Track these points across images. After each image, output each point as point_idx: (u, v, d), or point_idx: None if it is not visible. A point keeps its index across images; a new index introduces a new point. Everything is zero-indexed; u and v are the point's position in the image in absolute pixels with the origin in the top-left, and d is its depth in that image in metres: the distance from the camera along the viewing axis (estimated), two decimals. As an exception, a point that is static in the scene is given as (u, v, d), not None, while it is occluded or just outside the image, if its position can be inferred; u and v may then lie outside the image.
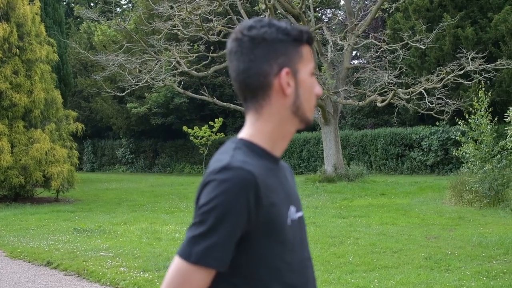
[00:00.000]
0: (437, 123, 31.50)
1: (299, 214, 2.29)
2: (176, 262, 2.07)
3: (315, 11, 36.09)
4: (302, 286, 2.18)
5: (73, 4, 58.53)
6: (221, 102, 31.82)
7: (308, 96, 2.16)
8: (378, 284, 9.27)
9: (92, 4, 58.78)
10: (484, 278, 9.39)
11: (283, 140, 2.23)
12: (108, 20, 33.21)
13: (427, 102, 26.54)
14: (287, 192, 2.24)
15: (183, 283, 2.03)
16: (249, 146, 2.18)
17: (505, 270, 9.84)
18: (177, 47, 29.71)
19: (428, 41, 27.07)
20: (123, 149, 51.64)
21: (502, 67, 26.68)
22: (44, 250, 13.09)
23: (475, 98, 19.49)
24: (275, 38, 2.13)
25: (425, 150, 35.26)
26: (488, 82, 30.50)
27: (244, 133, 2.23)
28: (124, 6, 59.07)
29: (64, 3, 52.30)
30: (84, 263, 11.52)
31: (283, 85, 2.14)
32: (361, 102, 29.52)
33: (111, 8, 32.92)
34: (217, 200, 2.01)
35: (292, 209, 2.22)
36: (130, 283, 9.92)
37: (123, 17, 44.29)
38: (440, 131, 34.17)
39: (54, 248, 13.29)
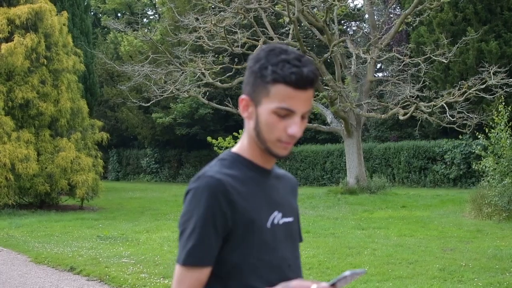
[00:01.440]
0: (460, 137, 31.57)
1: (286, 219, 2.55)
2: (175, 267, 2.39)
3: (339, 24, 36.28)
4: (280, 281, 2.45)
5: (100, 15, 59.22)
6: (245, 113, 32.04)
7: (266, 130, 2.38)
8: (391, 293, 9.48)
9: (119, 15, 59.38)
10: (496, 290, 9.58)
11: (263, 156, 2.50)
12: (134, 31, 33.62)
13: (448, 116, 26.62)
14: (271, 199, 2.51)
15: (180, 283, 2.34)
16: (234, 157, 2.50)
17: (517, 282, 10.02)
18: (202, 59, 30.01)
19: (450, 55, 27.16)
20: (147, 158, 52.02)
21: (524, 81, 26.72)
22: (68, 256, 13.42)
23: (496, 112, 19.61)
24: (252, 69, 2.41)
25: (448, 163, 35.26)
26: (512, 96, 30.58)
27: (236, 145, 2.57)
28: (151, 17, 59.55)
29: (92, 13, 52.79)
30: (106, 269, 11.83)
31: (240, 108, 2.45)
32: (383, 115, 29.66)
33: (137, 19, 33.26)
34: (191, 208, 2.35)
35: (277, 214, 2.50)
36: (150, 288, 10.21)
37: (149, 28, 44.81)
38: (463, 145, 34.18)
39: (78, 254, 13.62)
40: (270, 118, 2.37)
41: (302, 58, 2.39)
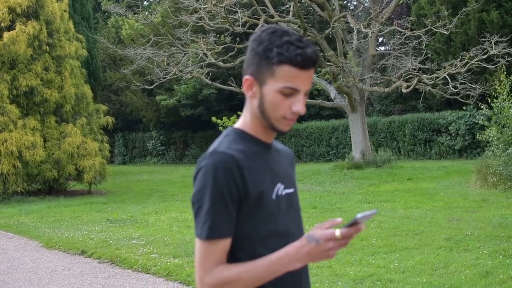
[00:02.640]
0: (464, 108, 31.60)
1: (288, 190, 2.69)
2: (196, 243, 2.49)
3: (340, -1, 36.28)
4: None
5: (100, -1, 59.16)
6: (249, 92, 32.06)
7: (271, 108, 2.50)
8: (398, 264, 9.61)
9: (119, -1, 59.38)
10: (501, 257, 9.69)
11: (265, 131, 2.63)
12: (135, 14, 33.61)
13: (451, 87, 26.65)
14: (274, 172, 2.64)
15: (206, 257, 2.44)
16: (238, 133, 2.62)
17: (522, 249, 10.15)
18: (204, 39, 30.03)
19: (451, 26, 27.10)
20: (153, 141, 52.17)
21: (526, 50, 26.75)
22: (78, 240, 13.59)
23: (498, 82, 19.67)
24: (255, 50, 2.51)
25: (453, 134, 35.32)
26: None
27: (238, 122, 2.68)
28: (151, 0, 59.44)
29: (92, -2, 52.80)
30: (117, 251, 11.99)
31: (244, 88, 2.55)
32: (386, 89, 29.69)
33: (137, 2, 33.22)
34: (205, 184, 2.44)
35: (280, 186, 2.64)
36: (161, 268, 10.35)
37: (149, 10, 44.67)
38: (467, 116, 34.22)
39: (88, 237, 13.78)
40: (275, 97, 2.49)
41: (303, 39, 2.51)
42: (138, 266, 10.74)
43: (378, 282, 8.64)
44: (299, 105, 2.50)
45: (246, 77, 2.55)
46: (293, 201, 2.73)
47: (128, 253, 11.67)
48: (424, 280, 8.60)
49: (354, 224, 2.33)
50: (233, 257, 2.50)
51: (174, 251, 11.66)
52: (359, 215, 2.30)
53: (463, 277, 8.62)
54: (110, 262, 11.37)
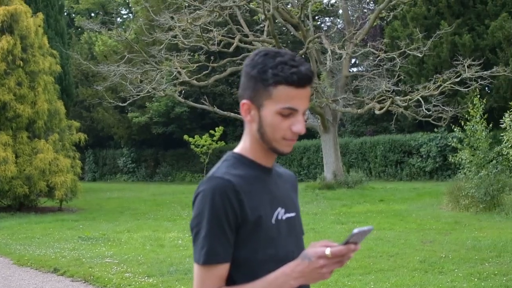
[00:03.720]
0: (435, 130, 31.84)
1: (289, 215, 2.67)
2: (194, 268, 2.49)
3: (314, 20, 36.46)
4: None
5: (74, 15, 58.93)
6: (222, 111, 32.11)
7: (271, 130, 2.49)
8: (373, 286, 9.62)
9: (92, 15, 59.19)
10: (476, 280, 9.74)
11: (266, 155, 2.61)
12: (109, 30, 33.55)
13: (424, 110, 26.86)
14: (274, 196, 2.62)
15: (204, 282, 2.44)
16: (238, 158, 2.61)
17: (496, 272, 10.19)
18: (178, 57, 30.04)
19: (425, 48, 27.40)
20: (124, 158, 51.96)
21: (498, 74, 27.06)
22: (51, 257, 13.45)
23: (471, 105, 19.83)
24: (249, 74, 2.51)
25: (424, 156, 35.55)
26: (486, 88, 30.85)
27: (237, 146, 2.67)
28: (125, 17, 59.42)
29: (65, 13, 52.64)
30: (90, 269, 11.88)
31: (241, 112, 2.54)
32: (359, 110, 29.85)
33: (111, 18, 33.20)
34: (203, 209, 2.44)
35: (280, 210, 2.62)
36: (135, 287, 10.28)
37: (123, 27, 44.66)
38: (439, 138, 34.45)
39: (60, 255, 13.65)
40: (274, 119, 2.47)
41: (296, 58, 2.49)
42: (112, 285, 10.65)
43: (355, 304, 8.64)
44: (299, 125, 2.49)
45: (244, 101, 2.54)
46: (295, 225, 2.72)
47: (101, 272, 11.57)
48: (401, 302, 8.62)
49: (349, 242, 2.32)
50: (232, 281, 2.49)
51: (148, 270, 11.59)
52: (355, 230, 2.29)
53: (439, 300, 8.65)
54: (84, 281, 11.26)
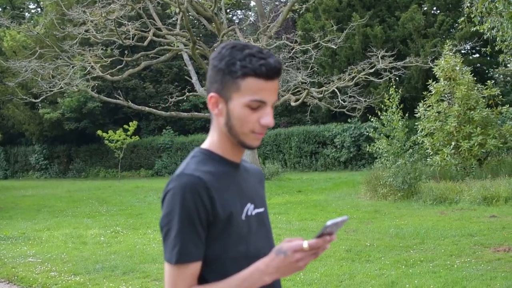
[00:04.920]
0: (349, 120, 32.34)
1: (258, 210, 2.64)
2: (166, 267, 2.43)
3: (226, 13, 36.43)
4: None
5: (-21, 9, 57.56)
6: (136, 106, 31.82)
7: (239, 123, 2.45)
8: (303, 277, 9.68)
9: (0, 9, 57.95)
10: (403, 267, 9.91)
11: (234, 150, 2.58)
12: (19, 25, 32.85)
13: (340, 101, 27.20)
14: (243, 192, 2.60)
15: (176, 282, 2.39)
16: (206, 154, 2.56)
17: (422, 258, 10.39)
18: (91, 52, 29.64)
19: (339, 41, 27.70)
20: (36, 155, 51.12)
21: (411, 64, 27.64)
22: (-30, 258, 13.13)
23: (386, 95, 20.18)
24: (217, 67, 2.47)
25: (338, 146, 36.03)
26: (398, 78, 31.40)
27: (205, 142, 2.62)
28: (33, 11, 58.25)
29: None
30: (13, 269, 11.62)
31: (209, 105, 2.50)
32: (274, 102, 29.99)
33: (19, 13, 32.51)
34: (173, 208, 2.39)
35: (250, 206, 2.59)
36: (62, 286, 10.10)
37: (32, 22, 43.79)
38: (352, 128, 34.96)
39: (-20, 256, 13.34)
40: (243, 112, 2.43)
41: (263, 51, 2.46)
42: (37, 285, 10.44)
43: (287, 295, 8.70)
44: (267, 118, 2.45)
45: (211, 94, 2.49)
46: (264, 220, 2.70)
47: (25, 272, 11.33)
48: (332, 291, 8.71)
49: (324, 234, 2.32)
50: (204, 279, 2.45)
51: (73, 268, 11.40)
52: (329, 223, 2.27)
53: (370, 287, 8.76)
54: (7, 282, 11.01)
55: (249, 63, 2.41)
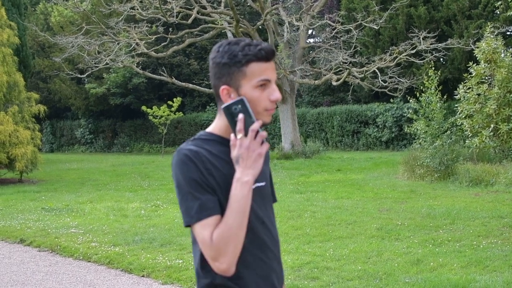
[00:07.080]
0: (391, 100, 32.32)
1: (259, 184, 2.93)
2: (192, 229, 2.75)
3: (271, -9, 36.61)
4: (255, 241, 2.87)
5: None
6: (180, 82, 32.21)
7: (253, 105, 2.75)
8: (333, 252, 10.00)
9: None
10: (430, 246, 10.17)
11: None
12: (65, 0, 33.34)
13: (380, 81, 27.29)
14: None
15: (204, 238, 2.67)
16: (208, 135, 2.88)
17: (450, 238, 10.64)
18: (136, 29, 30.04)
19: (381, 21, 27.75)
20: (82, 129, 51.91)
21: (453, 46, 27.54)
22: (16, 228, 13.61)
23: (426, 77, 20.25)
24: (221, 62, 2.79)
25: (380, 126, 36.09)
26: (442, 59, 31.34)
27: (210, 126, 2.95)
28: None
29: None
30: (56, 239, 12.09)
31: (222, 98, 2.79)
32: (316, 81, 30.20)
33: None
34: (179, 177, 2.73)
35: None
36: (102, 256, 10.54)
37: (80, -2, 44.33)
38: (394, 108, 35.00)
39: (26, 226, 13.82)
40: (254, 93, 2.76)
41: (254, 41, 2.83)
42: (79, 254, 10.89)
43: (316, 270, 9.00)
44: (275, 93, 2.79)
45: (223, 87, 2.79)
46: (265, 193, 2.99)
47: (68, 242, 11.79)
48: (359, 267, 9.00)
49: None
50: None
51: (113, 239, 11.83)
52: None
53: (396, 264, 9.05)
54: (50, 251, 11.49)
55: (249, 51, 2.76)
